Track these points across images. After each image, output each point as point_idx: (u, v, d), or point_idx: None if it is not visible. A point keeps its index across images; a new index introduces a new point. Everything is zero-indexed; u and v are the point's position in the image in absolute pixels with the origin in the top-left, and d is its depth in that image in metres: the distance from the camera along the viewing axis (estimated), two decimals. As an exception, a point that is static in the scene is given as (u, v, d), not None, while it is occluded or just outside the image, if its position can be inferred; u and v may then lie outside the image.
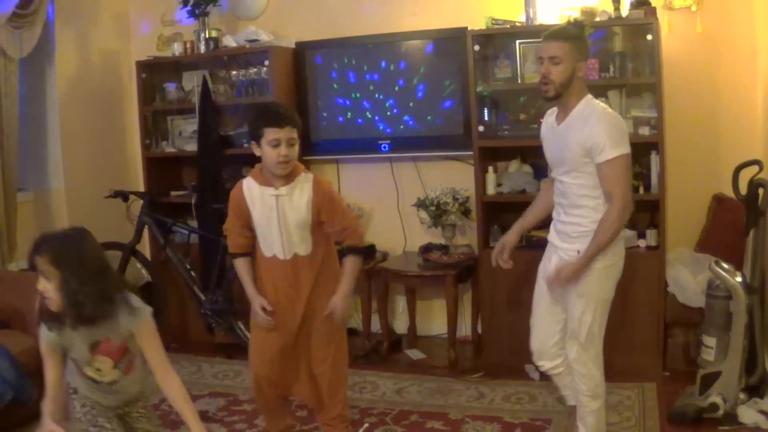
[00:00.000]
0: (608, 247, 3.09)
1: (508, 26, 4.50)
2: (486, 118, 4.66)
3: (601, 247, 3.06)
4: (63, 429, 2.60)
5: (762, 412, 3.69)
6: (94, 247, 2.62)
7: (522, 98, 4.68)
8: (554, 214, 3.35)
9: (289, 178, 3.13)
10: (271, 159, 3.04)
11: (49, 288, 2.50)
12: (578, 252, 3.13)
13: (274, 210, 3.13)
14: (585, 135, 3.03)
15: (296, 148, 3.10)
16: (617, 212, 3.03)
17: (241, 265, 3.31)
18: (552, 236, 3.35)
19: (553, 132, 3.23)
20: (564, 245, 3.23)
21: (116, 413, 2.80)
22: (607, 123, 3.03)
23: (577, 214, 3.17)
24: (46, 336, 2.62)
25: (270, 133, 3.01)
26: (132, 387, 2.81)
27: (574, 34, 3.10)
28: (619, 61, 4.39)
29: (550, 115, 3.30)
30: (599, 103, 3.13)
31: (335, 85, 5.12)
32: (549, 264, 3.32)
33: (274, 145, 3.02)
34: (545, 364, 3.51)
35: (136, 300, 2.67)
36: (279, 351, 3.32)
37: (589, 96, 3.13)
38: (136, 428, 2.86)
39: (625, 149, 3.04)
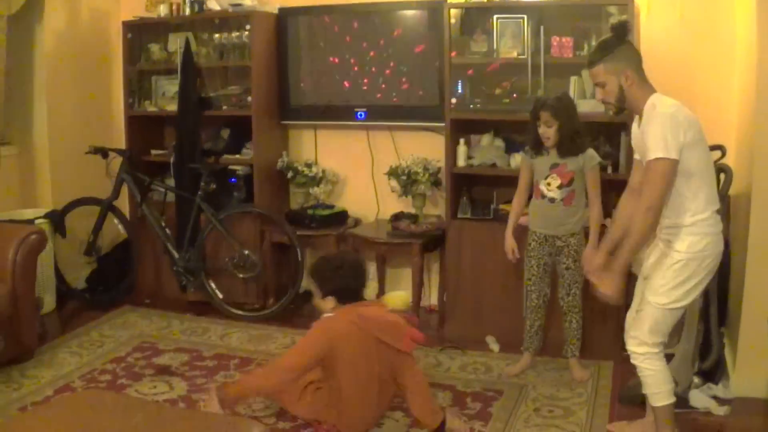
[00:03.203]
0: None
1: (485, 0, 4.25)
2: (460, 91, 4.42)
3: (632, 246, 2.82)
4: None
5: (715, 397, 3.55)
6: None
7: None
8: None
9: None
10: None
11: (549, 131, 3.60)
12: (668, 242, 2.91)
13: None
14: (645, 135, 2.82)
15: None
16: (639, 212, 2.79)
17: None
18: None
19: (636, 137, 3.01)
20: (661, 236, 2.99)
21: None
22: (658, 124, 2.76)
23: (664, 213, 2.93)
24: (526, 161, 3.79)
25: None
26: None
27: (602, 53, 2.88)
28: (595, 39, 4.13)
29: (635, 122, 3.04)
30: (662, 102, 2.82)
31: (315, 52, 4.89)
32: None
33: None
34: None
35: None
36: None
37: (654, 96, 2.85)
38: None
39: (665, 154, 2.71)
